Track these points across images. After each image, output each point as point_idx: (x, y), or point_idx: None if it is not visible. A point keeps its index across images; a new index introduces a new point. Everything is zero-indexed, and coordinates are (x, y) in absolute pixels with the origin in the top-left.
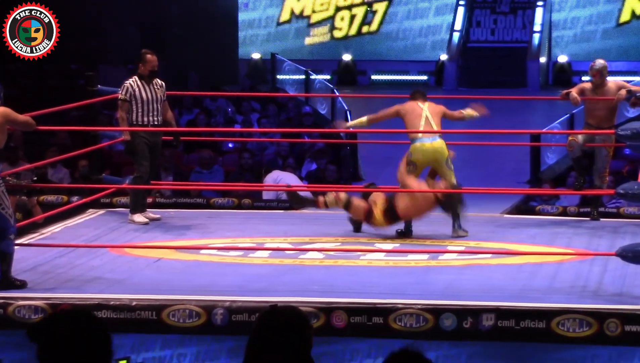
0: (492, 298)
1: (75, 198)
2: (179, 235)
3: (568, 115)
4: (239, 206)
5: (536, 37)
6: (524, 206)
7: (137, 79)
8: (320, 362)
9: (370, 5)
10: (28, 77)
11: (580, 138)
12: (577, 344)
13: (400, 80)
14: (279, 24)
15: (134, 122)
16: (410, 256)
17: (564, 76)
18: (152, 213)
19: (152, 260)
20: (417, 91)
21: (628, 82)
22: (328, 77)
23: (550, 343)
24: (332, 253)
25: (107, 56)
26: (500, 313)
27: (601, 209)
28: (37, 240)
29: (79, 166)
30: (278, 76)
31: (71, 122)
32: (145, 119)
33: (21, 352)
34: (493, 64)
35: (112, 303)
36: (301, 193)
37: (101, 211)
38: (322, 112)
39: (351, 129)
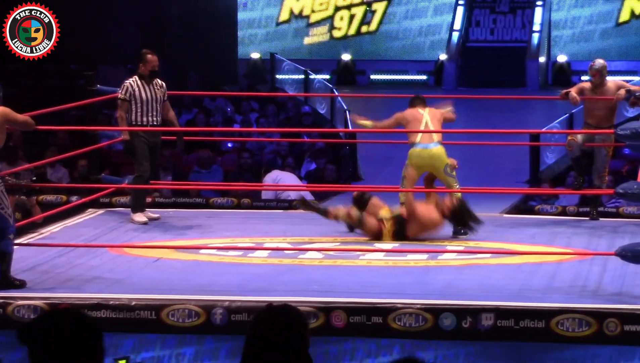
0: (492, 298)
1: (74, 198)
2: (178, 235)
3: (567, 115)
4: (238, 206)
5: (535, 37)
6: (523, 206)
7: (137, 78)
8: (320, 362)
9: (369, 5)
10: (28, 77)
11: (579, 137)
12: (576, 344)
13: (399, 80)
14: (278, 23)
15: (133, 122)
16: (410, 256)
17: (563, 75)
18: (151, 212)
19: (152, 259)
20: (416, 98)
21: (627, 81)
22: (327, 76)
23: (549, 343)
24: (331, 252)
25: (107, 55)
26: (500, 312)
27: (600, 209)
28: (36, 240)
29: (78, 165)
30: (277, 76)
31: (70, 122)
32: (145, 119)
33: (21, 351)
34: (492, 63)
35: (111, 302)
36: (312, 200)
37: (100, 211)
38: (322, 112)
39: (360, 123)
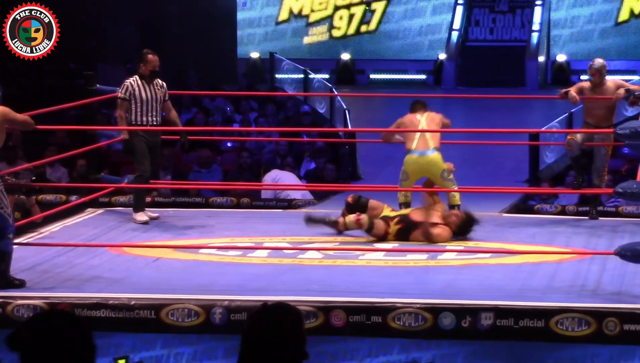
0: (491, 298)
1: (73, 197)
2: (178, 234)
3: (567, 114)
4: (238, 206)
5: (535, 36)
6: (523, 205)
7: (137, 78)
8: (319, 361)
9: (368, 4)
10: (27, 76)
11: (579, 137)
12: (576, 343)
13: (398, 79)
14: (277, 23)
15: (133, 122)
16: (409, 256)
17: (562, 75)
18: (150, 212)
19: (151, 259)
20: (416, 102)
21: (627, 81)
22: (327, 76)
23: (549, 342)
24: (331, 252)
25: (106, 55)
26: (499, 312)
27: (600, 208)
28: (35, 239)
29: (77, 165)
30: (277, 75)
31: (69, 122)
32: (144, 119)
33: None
34: (492, 63)
35: (110, 302)
36: (318, 214)
37: (100, 211)
38: (321, 111)
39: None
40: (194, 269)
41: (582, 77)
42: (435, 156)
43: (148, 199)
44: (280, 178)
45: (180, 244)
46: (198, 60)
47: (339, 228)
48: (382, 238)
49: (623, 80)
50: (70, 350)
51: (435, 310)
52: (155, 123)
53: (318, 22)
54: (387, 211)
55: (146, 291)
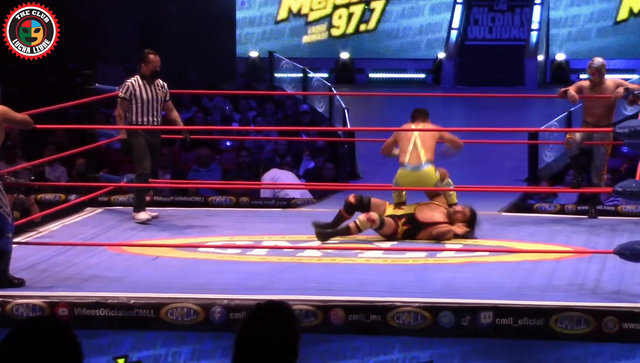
0: (490, 296)
1: (72, 197)
2: (177, 233)
3: (566, 113)
4: (237, 205)
5: (534, 35)
6: (522, 204)
7: (138, 78)
8: (318, 360)
9: (367, 3)
10: (27, 76)
11: (578, 135)
12: (575, 341)
13: (398, 78)
14: (276, 22)
15: (134, 122)
16: (409, 254)
17: (561, 73)
18: (150, 211)
19: (150, 258)
20: (416, 111)
21: (626, 80)
22: (326, 75)
23: (548, 341)
24: (330, 251)
25: (106, 55)
26: (498, 310)
27: (599, 207)
28: (34, 238)
29: (76, 164)
30: (276, 74)
31: (69, 121)
32: (145, 119)
33: None
34: (491, 62)
35: (110, 301)
36: (329, 231)
37: (99, 210)
38: (320, 110)
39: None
40: (193, 267)
41: (581, 76)
42: (427, 170)
43: (147, 198)
44: (279, 177)
45: (180, 243)
46: (198, 59)
47: (351, 233)
48: (391, 236)
49: (622, 79)
50: (58, 358)
51: (435, 309)
52: (155, 123)
53: (317, 21)
54: (391, 209)
55: (145, 290)
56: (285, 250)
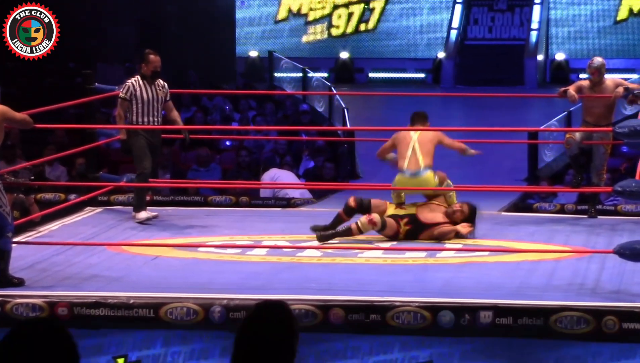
0: (490, 296)
1: (72, 196)
2: (177, 233)
3: (565, 113)
4: (237, 204)
5: (533, 35)
6: (522, 204)
7: (139, 78)
8: (318, 360)
9: (367, 3)
10: (27, 76)
11: (577, 135)
12: (575, 341)
13: (397, 78)
14: (276, 22)
15: (134, 122)
16: (408, 254)
17: (561, 73)
18: (150, 210)
19: (150, 257)
20: (415, 114)
21: (626, 79)
22: (325, 75)
23: (548, 340)
24: (329, 250)
25: (106, 54)
26: (498, 310)
27: (599, 206)
28: (34, 238)
29: (76, 164)
30: (275, 74)
31: (69, 121)
32: (145, 119)
33: None
34: (490, 61)
35: (109, 301)
36: (329, 232)
37: (99, 209)
38: (320, 110)
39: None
40: (193, 267)
41: (581, 75)
42: (426, 176)
43: (147, 198)
44: (279, 177)
45: (179, 242)
46: (198, 59)
47: (352, 235)
48: (394, 237)
49: (622, 78)
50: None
51: (434, 308)
52: (156, 123)
53: (317, 21)
54: (392, 209)
55: (145, 289)
56: (285, 249)
